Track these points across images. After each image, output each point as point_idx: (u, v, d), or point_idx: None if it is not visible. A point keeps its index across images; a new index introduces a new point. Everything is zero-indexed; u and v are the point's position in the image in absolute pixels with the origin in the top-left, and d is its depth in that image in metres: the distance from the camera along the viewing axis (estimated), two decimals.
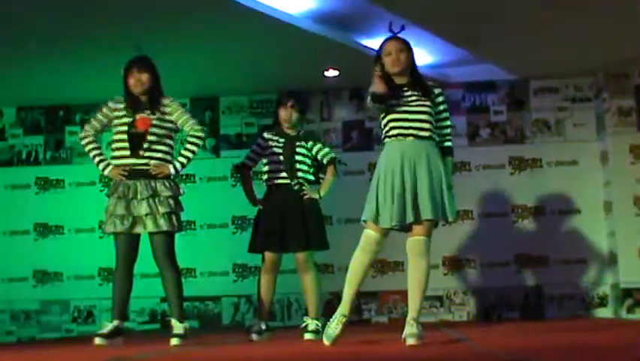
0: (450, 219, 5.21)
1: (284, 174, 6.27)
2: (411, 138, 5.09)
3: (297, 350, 5.39)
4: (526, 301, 8.96)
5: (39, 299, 9.52)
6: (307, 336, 6.13)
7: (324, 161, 6.41)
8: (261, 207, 6.36)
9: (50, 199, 9.64)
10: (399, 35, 5.35)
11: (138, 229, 5.78)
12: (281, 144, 6.33)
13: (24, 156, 9.77)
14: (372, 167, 9.24)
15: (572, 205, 9.04)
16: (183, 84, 8.98)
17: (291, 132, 6.39)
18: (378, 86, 5.13)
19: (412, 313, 5.16)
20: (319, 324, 6.24)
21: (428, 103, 5.16)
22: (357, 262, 5.31)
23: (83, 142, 6.00)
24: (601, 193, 9.06)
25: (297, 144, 6.32)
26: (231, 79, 8.99)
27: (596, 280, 8.96)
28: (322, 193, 6.39)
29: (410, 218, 5.11)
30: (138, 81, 5.85)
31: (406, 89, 5.21)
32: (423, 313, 8.89)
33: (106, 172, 5.90)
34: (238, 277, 9.33)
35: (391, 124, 5.18)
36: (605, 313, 8.87)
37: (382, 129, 5.29)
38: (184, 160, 5.87)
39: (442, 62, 8.84)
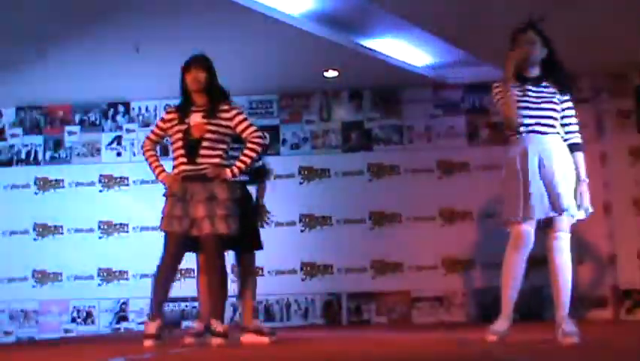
0: (578, 214, 5.18)
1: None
2: (537, 133, 5.08)
3: (297, 349, 5.39)
4: (525, 302, 8.93)
5: (38, 299, 9.51)
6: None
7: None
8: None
9: (50, 199, 9.64)
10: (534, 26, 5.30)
11: (195, 231, 5.72)
12: None
13: (23, 155, 9.77)
14: (371, 167, 9.31)
15: None
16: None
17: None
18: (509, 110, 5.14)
19: (560, 311, 5.11)
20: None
21: (555, 99, 5.15)
22: (514, 262, 5.27)
23: (143, 151, 6.06)
24: (600, 194, 9.04)
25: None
26: (231, 79, 8.92)
27: (596, 281, 8.95)
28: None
29: (547, 213, 5.07)
30: (195, 79, 5.84)
31: (531, 83, 5.18)
32: (422, 314, 8.98)
33: (159, 178, 5.89)
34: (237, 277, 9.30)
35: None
36: (604, 314, 8.86)
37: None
38: (241, 165, 5.80)
39: (442, 63, 8.85)
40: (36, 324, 9.49)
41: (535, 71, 5.23)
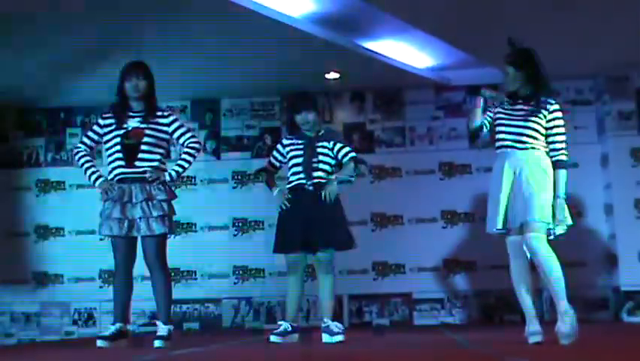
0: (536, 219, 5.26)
1: (303, 175, 6.20)
2: (514, 149, 5.31)
3: (299, 351, 5.39)
4: None
5: (39, 301, 9.50)
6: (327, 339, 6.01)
7: (344, 160, 6.29)
8: (282, 206, 6.24)
9: (51, 201, 9.64)
10: (516, 51, 5.55)
11: (134, 232, 5.79)
12: (301, 146, 6.26)
13: (25, 157, 9.76)
14: (373, 169, 9.31)
15: (573, 208, 9.00)
16: (185, 86, 8.99)
17: (310, 134, 6.30)
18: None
19: (559, 307, 5.16)
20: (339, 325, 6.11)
21: (537, 117, 5.31)
22: (515, 270, 5.41)
23: (76, 156, 6.06)
24: (601, 196, 9.06)
25: (318, 144, 6.24)
26: (232, 81, 8.99)
27: (597, 283, 8.95)
28: (335, 180, 6.20)
29: (518, 222, 5.27)
30: (135, 87, 5.87)
31: (520, 101, 5.40)
32: (424, 316, 8.98)
33: (96, 184, 5.94)
34: (238, 279, 9.32)
35: (498, 135, 5.43)
36: (605, 316, 8.86)
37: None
38: (179, 169, 5.94)
39: (444, 64, 8.85)
40: (37, 326, 9.48)
41: (523, 90, 5.42)
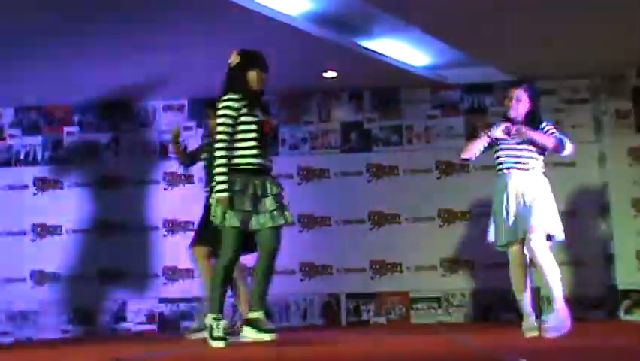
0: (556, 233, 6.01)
1: None
2: (515, 170, 5.98)
3: (296, 350, 5.39)
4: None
5: (37, 300, 9.49)
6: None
7: None
8: None
9: (48, 199, 9.62)
10: (532, 84, 6.19)
11: (261, 224, 5.73)
12: None
13: (22, 156, 9.75)
14: (370, 168, 9.32)
15: (570, 207, 9.01)
16: (182, 84, 8.98)
17: None
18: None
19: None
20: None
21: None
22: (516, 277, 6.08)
23: (220, 160, 5.75)
24: (599, 195, 9.06)
25: None
26: None
27: (594, 282, 8.96)
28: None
29: (520, 234, 5.93)
30: (262, 80, 5.97)
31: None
32: (420, 315, 8.99)
33: (220, 196, 5.67)
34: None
35: (499, 159, 6.10)
36: (602, 314, 8.86)
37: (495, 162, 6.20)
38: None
39: (440, 63, 8.85)
40: (34, 325, 9.47)
41: (520, 117, 6.06)
